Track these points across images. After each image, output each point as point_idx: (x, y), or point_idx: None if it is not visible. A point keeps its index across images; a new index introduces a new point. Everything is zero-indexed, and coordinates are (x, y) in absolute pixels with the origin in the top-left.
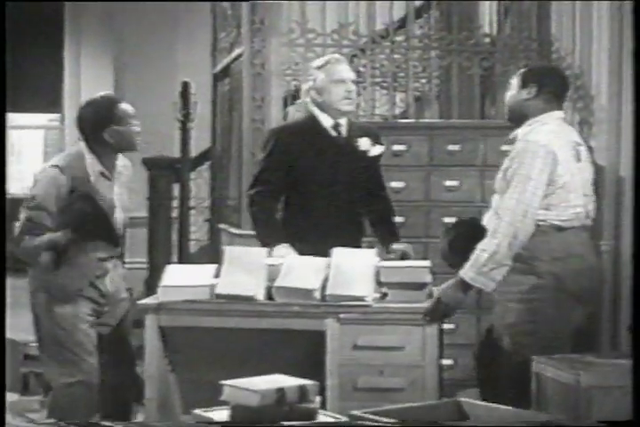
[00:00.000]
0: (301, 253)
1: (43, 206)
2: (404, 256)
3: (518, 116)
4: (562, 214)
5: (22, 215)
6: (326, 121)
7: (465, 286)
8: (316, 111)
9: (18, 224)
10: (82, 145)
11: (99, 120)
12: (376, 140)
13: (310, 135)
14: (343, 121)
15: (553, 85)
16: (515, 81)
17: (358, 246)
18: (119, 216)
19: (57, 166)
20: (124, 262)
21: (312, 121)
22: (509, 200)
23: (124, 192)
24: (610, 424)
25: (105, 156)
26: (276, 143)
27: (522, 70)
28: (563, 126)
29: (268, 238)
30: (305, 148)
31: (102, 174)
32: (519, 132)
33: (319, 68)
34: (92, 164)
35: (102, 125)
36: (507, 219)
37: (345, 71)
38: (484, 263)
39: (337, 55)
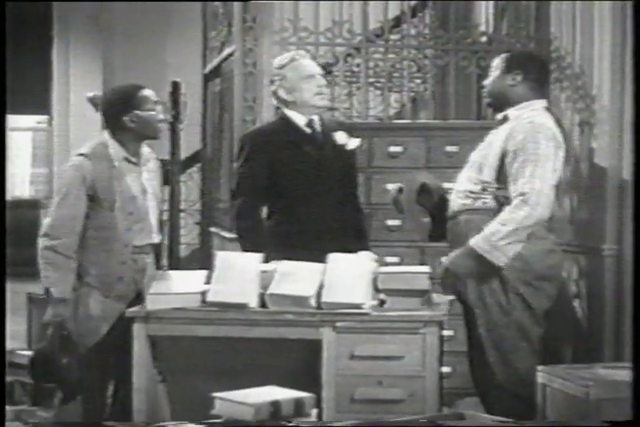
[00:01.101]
0: (294, 259)
1: (71, 198)
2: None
3: (500, 102)
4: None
5: (53, 210)
6: (299, 119)
7: (475, 255)
8: (288, 111)
9: (48, 220)
10: (105, 133)
11: (120, 104)
12: (350, 134)
13: (285, 136)
14: (316, 117)
15: (537, 73)
16: (497, 65)
17: (361, 248)
18: (151, 204)
19: (82, 154)
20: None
21: (284, 121)
22: (532, 180)
23: (154, 179)
24: (612, 424)
25: (128, 142)
26: (250, 149)
27: (504, 55)
28: (550, 115)
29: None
30: (281, 150)
31: (127, 160)
32: (509, 113)
33: (284, 66)
34: (115, 150)
35: (124, 110)
36: (533, 198)
37: (312, 66)
38: (503, 237)
39: (300, 51)
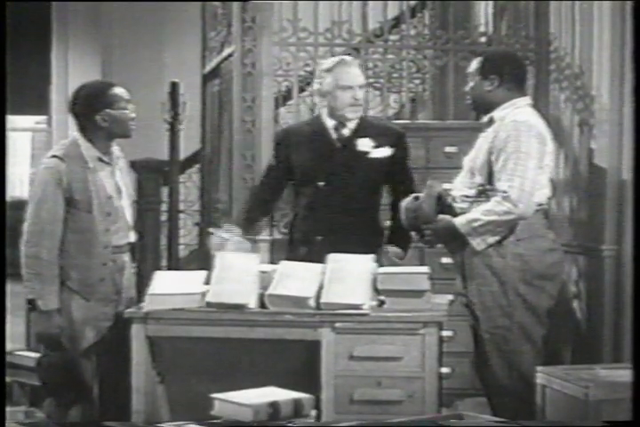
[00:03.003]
0: (306, 257)
1: (49, 201)
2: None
3: (484, 106)
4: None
5: (32, 215)
6: (329, 122)
7: (456, 232)
8: (323, 113)
9: (28, 226)
10: (75, 134)
11: (91, 103)
12: (389, 142)
13: (310, 136)
14: (351, 122)
15: (513, 74)
16: (473, 71)
17: (367, 252)
18: (125, 203)
19: (56, 156)
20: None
21: (317, 122)
22: (513, 178)
23: (126, 177)
24: (611, 424)
25: (99, 141)
26: (276, 144)
27: (479, 59)
28: (534, 111)
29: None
30: (303, 149)
31: (100, 160)
32: (494, 115)
33: (327, 70)
34: (87, 150)
35: (95, 109)
36: (514, 196)
37: (353, 77)
38: (482, 225)
39: (347, 57)
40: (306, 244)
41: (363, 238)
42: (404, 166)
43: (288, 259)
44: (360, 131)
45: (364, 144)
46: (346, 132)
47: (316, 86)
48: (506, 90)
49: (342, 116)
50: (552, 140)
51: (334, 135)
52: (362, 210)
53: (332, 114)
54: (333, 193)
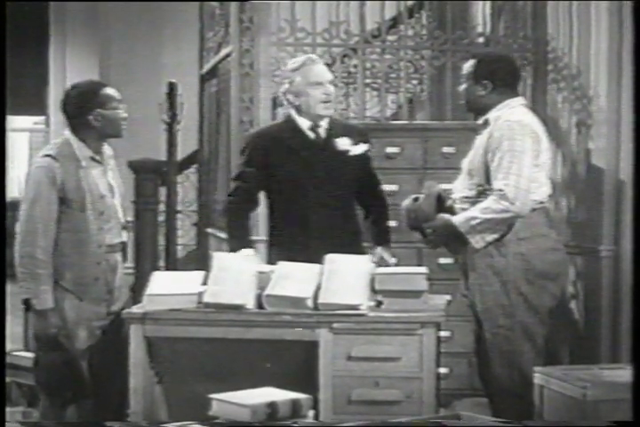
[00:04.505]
0: (290, 260)
1: (43, 201)
2: (380, 262)
3: (477, 109)
4: (532, 194)
5: (25, 214)
6: (304, 123)
7: (454, 230)
8: (294, 114)
9: (22, 226)
10: (67, 133)
11: (84, 103)
12: (360, 139)
13: (287, 138)
14: (323, 122)
15: (505, 78)
16: (466, 75)
17: (353, 251)
18: (117, 202)
19: (49, 155)
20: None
21: (289, 124)
22: (508, 176)
23: (116, 177)
24: (610, 424)
25: (91, 141)
26: (252, 149)
27: (472, 63)
28: (528, 111)
29: (234, 244)
30: (281, 151)
31: (93, 159)
32: (489, 116)
33: (295, 70)
34: (80, 149)
35: (87, 108)
36: (510, 195)
37: (322, 73)
38: (480, 223)
39: (312, 56)
40: (292, 246)
41: (346, 237)
42: (370, 162)
43: (272, 262)
44: (334, 130)
45: (344, 143)
46: (322, 131)
47: (285, 87)
48: (498, 93)
49: (315, 114)
50: (547, 138)
51: (312, 136)
52: (343, 208)
53: (304, 113)
54: (317, 194)
